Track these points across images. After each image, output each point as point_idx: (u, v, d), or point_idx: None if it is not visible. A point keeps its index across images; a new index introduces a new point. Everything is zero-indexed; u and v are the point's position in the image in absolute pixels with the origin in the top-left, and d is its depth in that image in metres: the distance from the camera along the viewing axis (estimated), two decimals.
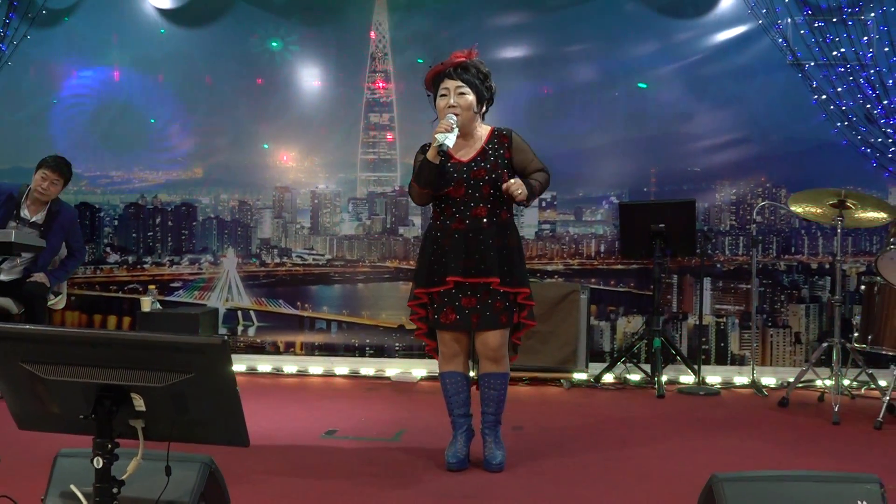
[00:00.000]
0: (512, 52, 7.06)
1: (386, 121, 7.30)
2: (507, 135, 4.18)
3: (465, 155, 4.13)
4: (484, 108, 4.19)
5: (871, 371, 5.82)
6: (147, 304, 6.62)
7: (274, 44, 7.23)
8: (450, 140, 3.94)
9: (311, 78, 7.32)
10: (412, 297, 4.22)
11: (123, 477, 2.32)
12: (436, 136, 3.95)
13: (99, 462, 2.27)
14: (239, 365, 6.76)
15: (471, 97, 4.07)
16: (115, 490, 2.29)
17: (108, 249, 7.39)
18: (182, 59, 7.26)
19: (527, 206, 4.09)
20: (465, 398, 4.25)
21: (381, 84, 7.25)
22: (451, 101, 4.05)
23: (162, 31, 7.28)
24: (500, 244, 4.09)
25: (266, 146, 7.33)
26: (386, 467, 4.26)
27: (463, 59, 4.10)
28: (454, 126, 3.98)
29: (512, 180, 4.02)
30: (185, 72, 7.29)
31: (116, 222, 7.42)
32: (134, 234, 7.40)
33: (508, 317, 4.13)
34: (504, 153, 4.14)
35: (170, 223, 7.39)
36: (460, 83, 4.06)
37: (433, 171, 4.00)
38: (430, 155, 3.99)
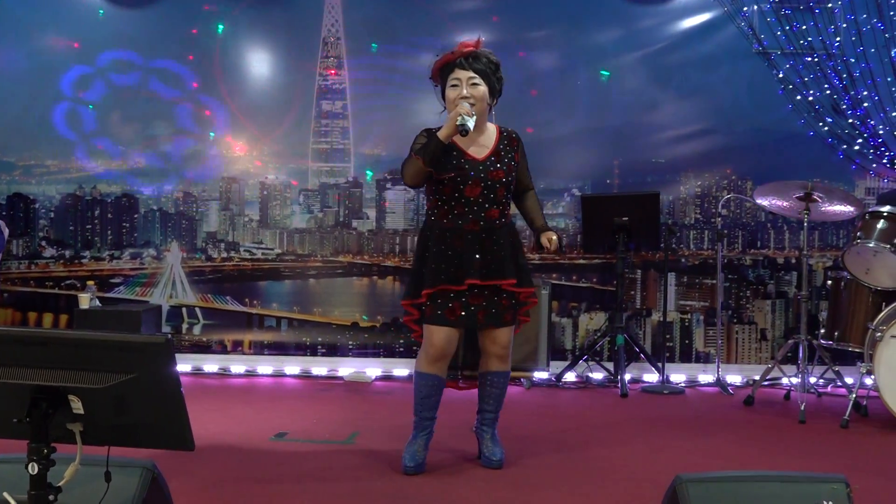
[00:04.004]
0: (471, 38, 7.04)
1: (339, 109, 7.27)
2: (518, 138, 4.25)
3: (479, 153, 4.13)
4: (494, 101, 4.19)
5: (837, 368, 5.92)
6: (85, 300, 6.52)
7: (220, 26, 7.16)
8: (471, 123, 3.93)
9: (259, 63, 7.26)
10: (412, 297, 4.15)
11: (60, 483, 2.29)
12: (461, 114, 3.90)
13: (34, 468, 2.23)
14: (183, 365, 6.69)
15: (483, 88, 4.07)
16: (51, 497, 2.27)
17: (43, 243, 7.27)
18: (122, 42, 7.16)
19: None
20: (436, 402, 4.25)
21: (333, 70, 7.22)
22: (464, 91, 4.03)
23: (101, 11, 7.17)
24: (509, 244, 4.17)
25: (212, 134, 7.26)
26: (339, 471, 4.25)
27: (472, 48, 4.10)
28: (473, 113, 3.97)
29: (553, 235, 4.24)
30: (125, 55, 7.18)
31: (52, 214, 7.30)
32: (71, 227, 7.29)
33: (513, 315, 4.21)
34: (514, 156, 4.20)
35: (109, 215, 7.30)
36: (472, 73, 4.05)
37: (440, 149, 3.97)
38: (444, 134, 3.95)
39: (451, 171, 4.06)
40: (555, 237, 4.22)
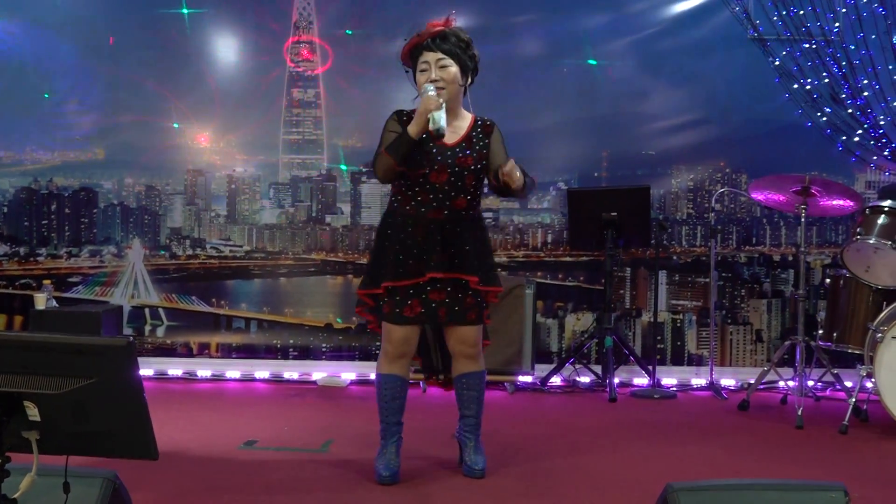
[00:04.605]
0: (439, 18, 7.06)
1: (311, 97, 7.26)
2: (491, 125, 4.23)
3: (449, 138, 4.11)
4: (469, 80, 4.19)
5: (836, 371, 5.95)
6: (41, 301, 6.48)
7: (184, 9, 7.13)
8: (443, 120, 3.94)
9: (226, 48, 7.24)
10: (368, 286, 4.18)
11: (16, 496, 2.28)
12: (432, 114, 3.92)
13: None
14: (146, 369, 6.67)
15: (454, 69, 4.07)
16: None
17: None
18: (81, 25, 7.12)
19: (521, 196, 4.26)
20: (401, 405, 4.26)
21: (305, 56, 7.21)
22: (433, 75, 4.05)
23: None
24: (476, 237, 4.16)
25: (177, 125, 7.23)
26: (312, 481, 4.25)
27: (440, 27, 4.11)
28: (441, 102, 3.97)
29: (511, 160, 4.05)
30: (84, 39, 7.14)
31: (6, 209, 7.26)
32: (26, 223, 7.25)
33: (478, 314, 4.18)
34: (488, 142, 4.18)
35: (67, 210, 7.26)
36: (441, 55, 4.06)
37: (411, 147, 4.00)
38: (415, 130, 3.97)
39: (420, 166, 4.05)
40: (514, 165, 4.02)
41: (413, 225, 4.10)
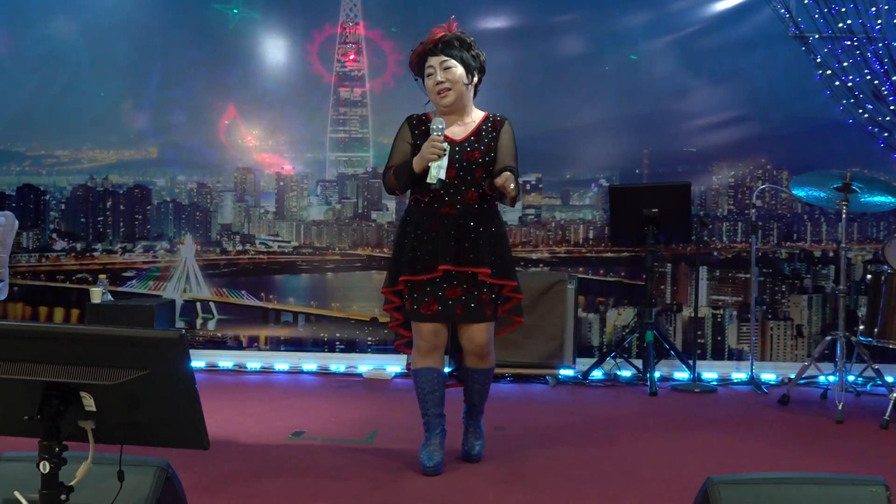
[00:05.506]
0: (493, 23, 7.05)
1: (357, 96, 7.27)
2: (502, 120, 4.26)
3: (458, 134, 4.18)
4: (476, 79, 4.23)
5: (877, 366, 5.88)
6: (97, 295, 6.57)
7: (234, 10, 7.18)
8: (443, 171, 3.99)
9: (275, 48, 7.28)
10: (389, 284, 4.23)
11: (72, 483, 2.31)
12: (431, 165, 3.98)
13: (45, 466, 2.25)
14: (198, 361, 6.74)
15: (458, 70, 4.13)
16: (63, 497, 2.29)
17: (54, 236, 7.33)
18: (134, 28, 7.19)
19: (509, 205, 4.14)
20: (440, 397, 4.28)
21: (352, 56, 7.23)
22: (439, 76, 4.12)
23: None
24: (489, 232, 4.17)
25: (227, 123, 7.28)
26: (357, 470, 4.27)
27: (442, 33, 4.17)
28: (445, 150, 4.00)
29: (507, 173, 3.97)
30: (137, 41, 7.21)
31: (63, 206, 7.35)
32: (83, 219, 7.34)
33: (493, 310, 4.21)
34: (496, 136, 4.21)
35: (122, 207, 7.34)
36: (444, 57, 4.12)
37: (414, 178, 4.08)
38: (417, 168, 4.04)
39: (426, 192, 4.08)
40: (510, 177, 3.91)
41: (428, 221, 4.15)
